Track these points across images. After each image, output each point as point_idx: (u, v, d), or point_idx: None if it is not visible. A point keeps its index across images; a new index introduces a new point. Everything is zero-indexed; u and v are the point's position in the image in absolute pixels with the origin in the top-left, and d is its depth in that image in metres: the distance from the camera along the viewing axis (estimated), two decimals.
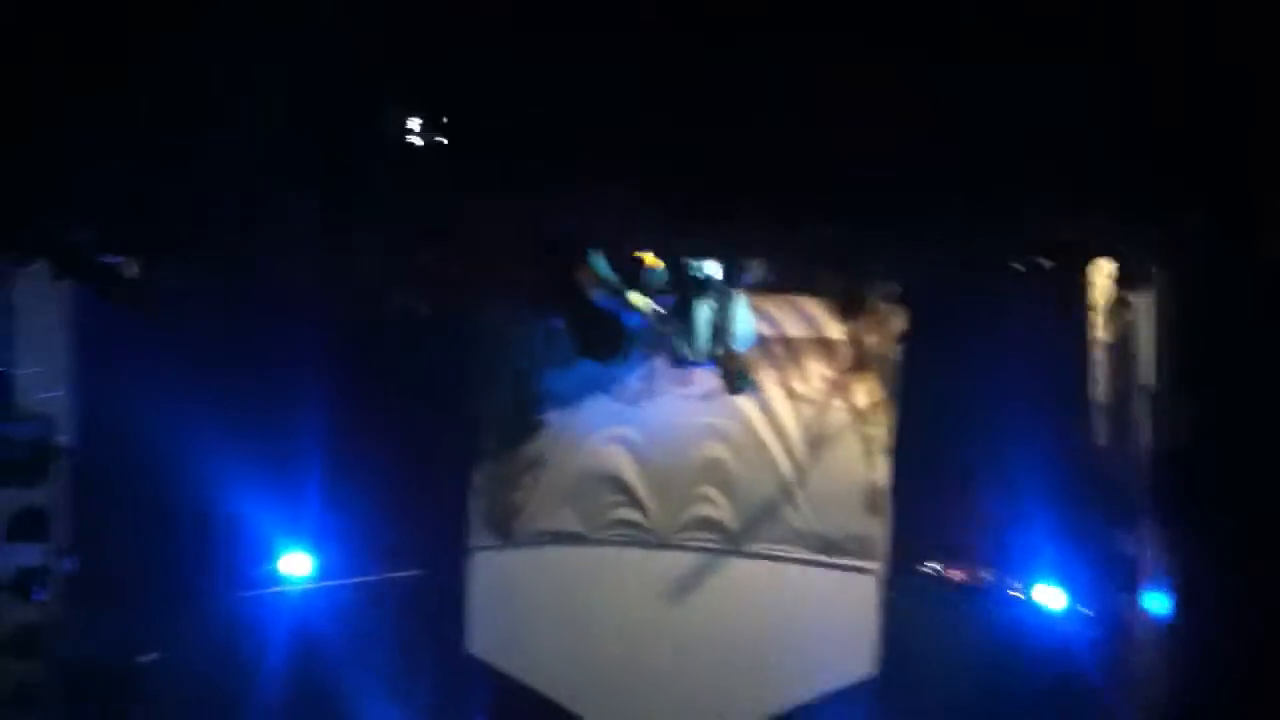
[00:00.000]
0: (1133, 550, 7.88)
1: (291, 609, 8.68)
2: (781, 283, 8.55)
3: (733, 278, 8.19)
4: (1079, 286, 7.96)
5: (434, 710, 8.78)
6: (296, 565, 8.66)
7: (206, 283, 8.10)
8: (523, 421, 9.03)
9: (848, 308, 8.66)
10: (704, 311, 8.21)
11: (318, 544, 8.69)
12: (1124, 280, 7.69)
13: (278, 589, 8.68)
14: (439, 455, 8.96)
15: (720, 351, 8.31)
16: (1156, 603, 7.55)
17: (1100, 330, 8.03)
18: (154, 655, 8.25)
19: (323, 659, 8.53)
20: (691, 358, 8.39)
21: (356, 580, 8.87)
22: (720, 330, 8.26)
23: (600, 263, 8.07)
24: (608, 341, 8.37)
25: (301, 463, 8.41)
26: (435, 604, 8.96)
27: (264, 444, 8.29)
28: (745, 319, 8.31)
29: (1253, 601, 6.79)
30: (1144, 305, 7.51)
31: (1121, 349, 7.87)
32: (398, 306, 8.54)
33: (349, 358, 8.49)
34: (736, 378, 8.39)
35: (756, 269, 8.30)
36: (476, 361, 8.99)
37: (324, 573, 8.76)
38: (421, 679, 8.76)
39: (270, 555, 8.66)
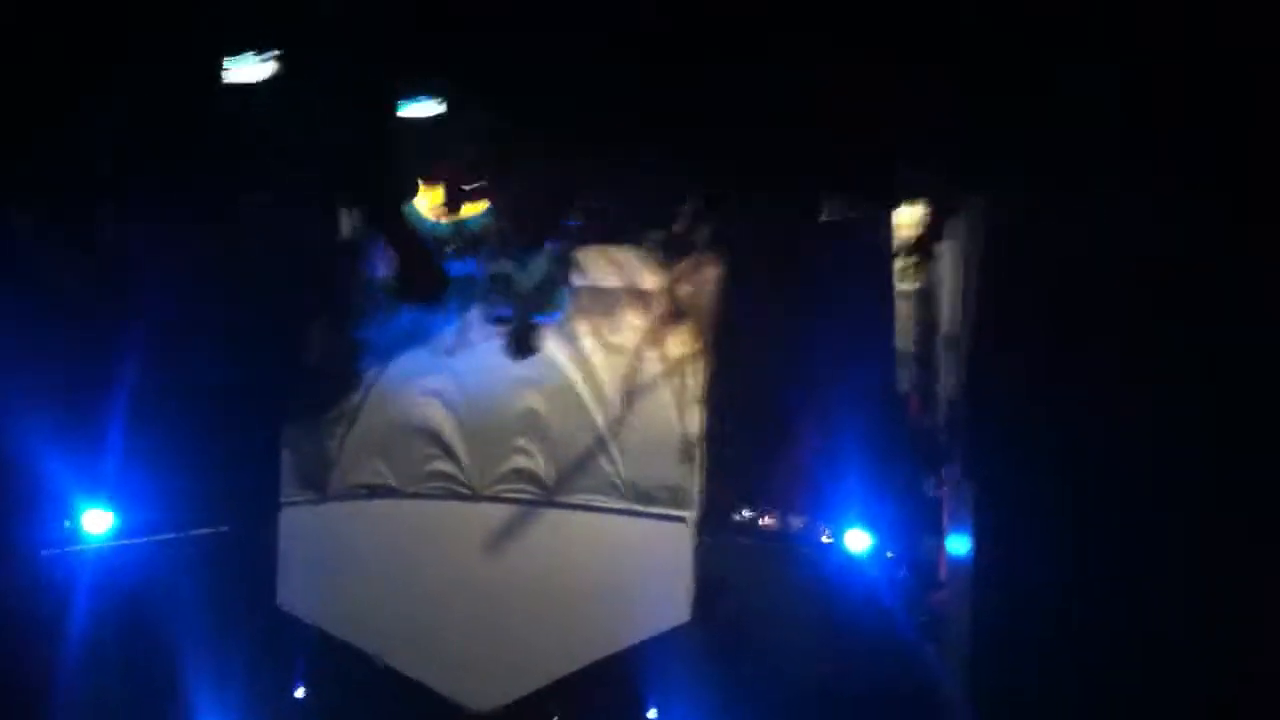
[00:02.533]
0: (937, 495, 8.13)
1: (94, 567, 8.34)
2: (595, 231, 8.54)
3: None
4: (886, 235, 8.06)
5: (247, 667, 8.59)
6: (97, 521, 8.35)
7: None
8: (336, 373, 8.87)
9: (665, 255, 8.64)
10: (540, 264, 8.21)
11: (121, 499, 8.38)
12: (929, 229, 7.81)
13: (78, 546, 8.37)
14: (249, 407, 8.71)
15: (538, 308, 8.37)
16: (958, 544, 7.76)
17: (906, 279, 8.16)
18: None
19: (130, 619, 8.28)
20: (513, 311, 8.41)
21: (162, 537, 8.61)
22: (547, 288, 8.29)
23: (413, 210, 7.97)
24: (428, 286, 8.26)
25: (103, 414, 8.10)
26: (246, 559, 8.78)
27: (64, 396, 7.95)
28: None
29: (1047, 542, 7.01)
30: (949, 254, 7.67)
31: (927, 297, 8.02)
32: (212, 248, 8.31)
33: (155, 304, 8.19)
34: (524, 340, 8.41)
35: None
36: (290, 311, 8.77)
37: (128, 529, 8.47)
38: (233, 636, 8.55)
39: (70, 511, 8.33)
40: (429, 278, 8.21)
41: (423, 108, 7.08)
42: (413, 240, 8.03)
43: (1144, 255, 6.44)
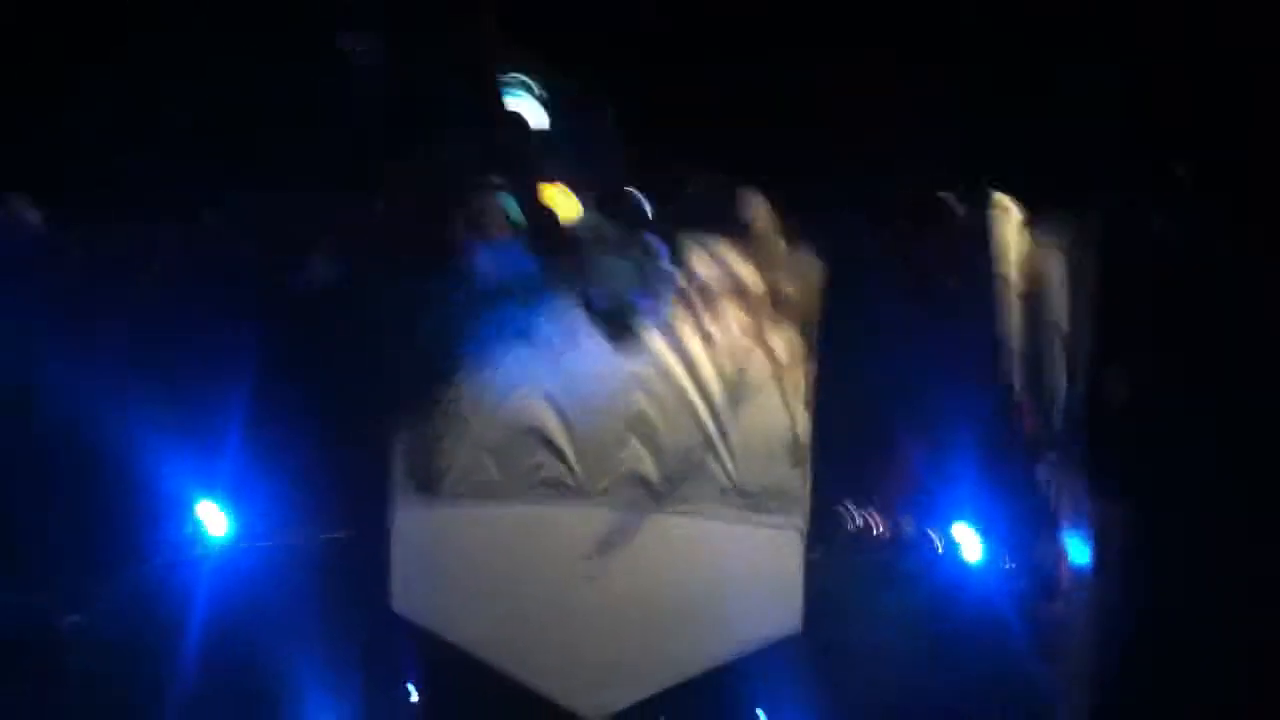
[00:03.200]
0: (1054, 498, 7.87)
1: (211, 572, 8.54)
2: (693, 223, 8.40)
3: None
4: (991, 231, 7.83)
5: (362, 670, 8.68)
6: (214, 524, 8.53)
7: (116, 233, 7.98)
8: (445, 376, 8.89)
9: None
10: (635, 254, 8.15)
11: (237, 505, 8.56)
12: (1037, 225, 7.59)
13: (197, 552, 8.55)
14: (361, 413, 8.79)
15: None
16: (1078, 551, 7.51)
17: (1013, 274, 7.92)
18: (73, 620, 8.18)
19: (245, 624, 8.38)
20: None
21: (278, 542, 8.76)
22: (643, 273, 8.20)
23: (510, 203, 7.95)
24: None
25: (221, 423, 8.28)
26: (359, 564, 8.83)
27: (186, 407, 8.16)
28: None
29: (1168, 548, 6.76)
30: (1056, 250, 7.45)
31: (1035, 293, 7.78)
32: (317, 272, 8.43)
33: (268, 311, 8.33)
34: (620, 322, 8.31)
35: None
36: (399, 316, 8.81)
37: (244, 534, 8.64)
38: (348, 640, 8.65)
39: (189, 518, 8.52)
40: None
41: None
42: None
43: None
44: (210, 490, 8.50)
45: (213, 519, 8.54)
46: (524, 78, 7.28)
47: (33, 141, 6.98)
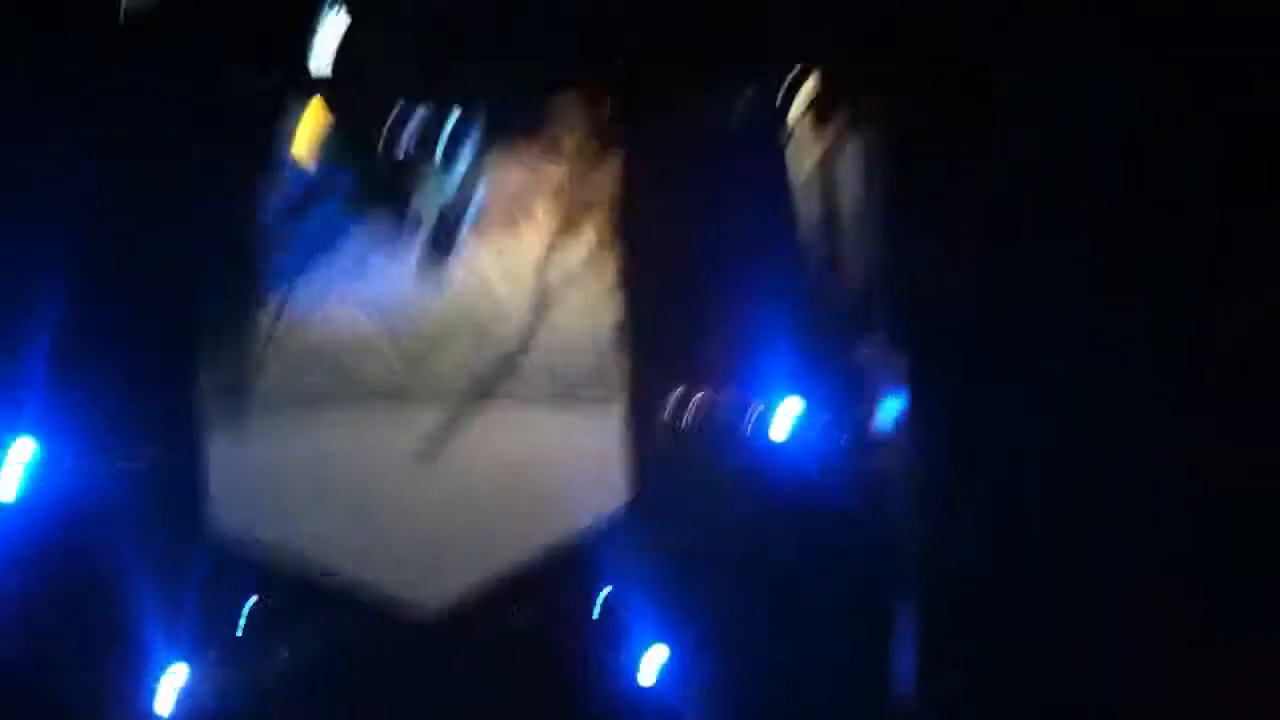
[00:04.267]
0: (867, 362, 8.18)
1: (22, 499, 8.16)
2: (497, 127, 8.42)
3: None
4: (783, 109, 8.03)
5: (198, 593, 8.47)
6: (22, 452, 8.14)
7: None
8: (254, 289, 8.73)
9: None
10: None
11: (41, 430, 8.19)
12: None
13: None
14: (169, 328, 8.53)
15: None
16: (892, 407, 7.83)
17: (814, 144, 8.13)
18: None
19: (67, 559, 8.10)
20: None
21: (90, 469, 8.44)
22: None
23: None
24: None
25: (20, 345, 7.91)
26: (179, 484, 8.61)
27: None
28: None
29: (981, 409, 7.08)
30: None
31: (846, 162, 8.00)
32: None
33: (67, 223, 7.89)
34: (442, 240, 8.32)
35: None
36: (203, 232, 8.55)
37: (52, 463, 8.29)
38: (177, 564, 8.43)
39: None
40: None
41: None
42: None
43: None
44: (14, 414, 8.08)
45: (19, 445, 8.12)
46: None
47: None
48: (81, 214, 7.86)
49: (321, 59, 7.59)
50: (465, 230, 8.61)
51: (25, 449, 8.09)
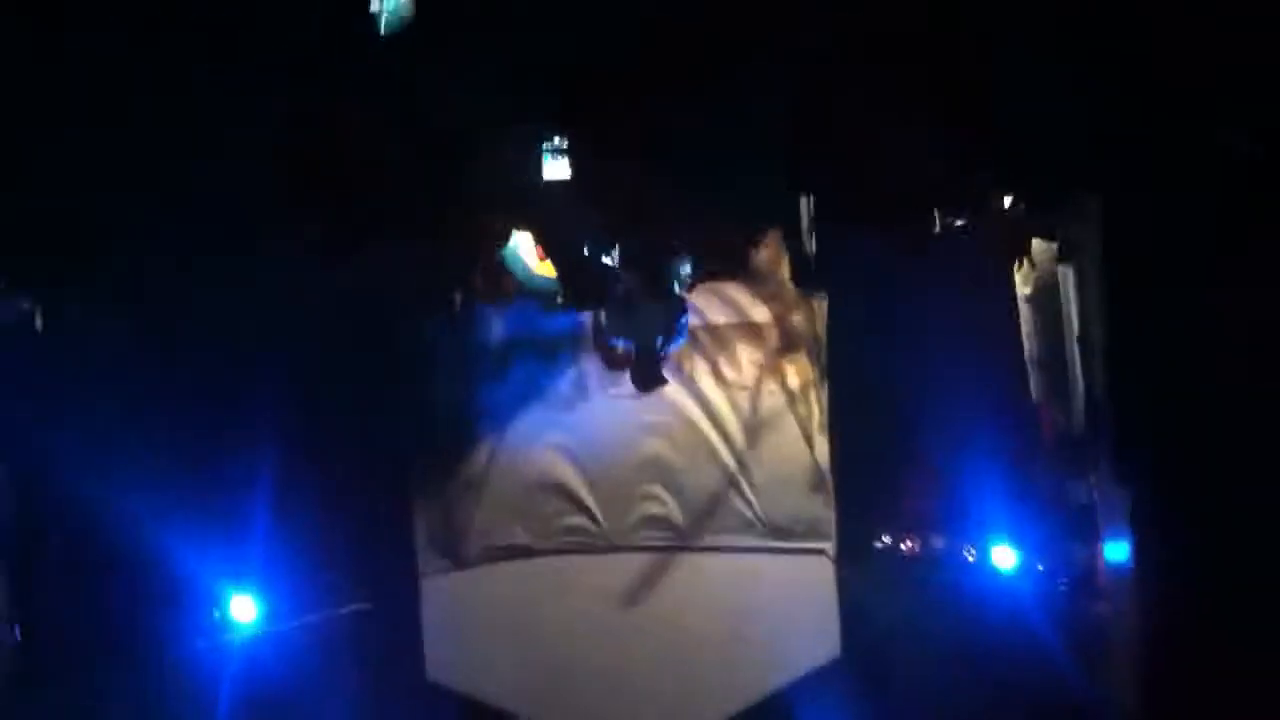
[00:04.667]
0: (1086, 500, 7.83)
1: (243, 656, 8.42)
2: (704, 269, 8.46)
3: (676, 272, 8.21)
4: (997, 240, 7.84)
5: None
6: (243, 610, 8.43)
7: (120, 319, 7.96)
8: (459, 439, 8.88)
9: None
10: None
11: (262, 587, 8.47)
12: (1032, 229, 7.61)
13: (227, 636, 8.46)
14: (379, 483, 8.77)
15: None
16: (1115, 551, 7.45)
17: (1022, 283, 7.93)
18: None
19: (282, 706, 8.31)
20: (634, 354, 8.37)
21: (307, 620, 8.67)
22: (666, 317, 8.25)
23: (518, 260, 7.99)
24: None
25: (239, 505, 8.22)
26: (390, 635, 8.76)
27: (199, 489, 8.09)
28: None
29: (1208, 542, 6.68)
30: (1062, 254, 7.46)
31: (1045, 300, 7.78)
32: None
33: (278, 390, 8.26)
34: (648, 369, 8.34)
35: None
36: (406, 384, 8.81)
37: (272, 615, 8.55)
38: (384, 713, 8.56)
39: (216, 602, 8.43)
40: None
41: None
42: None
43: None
44: (237, 576, 8.39)
45: (240, 605, 8.42)
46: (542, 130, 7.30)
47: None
48: (303, 373, 8.26)
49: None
50: (667, 367, 8.60)
51: (247, 608, 8.46)
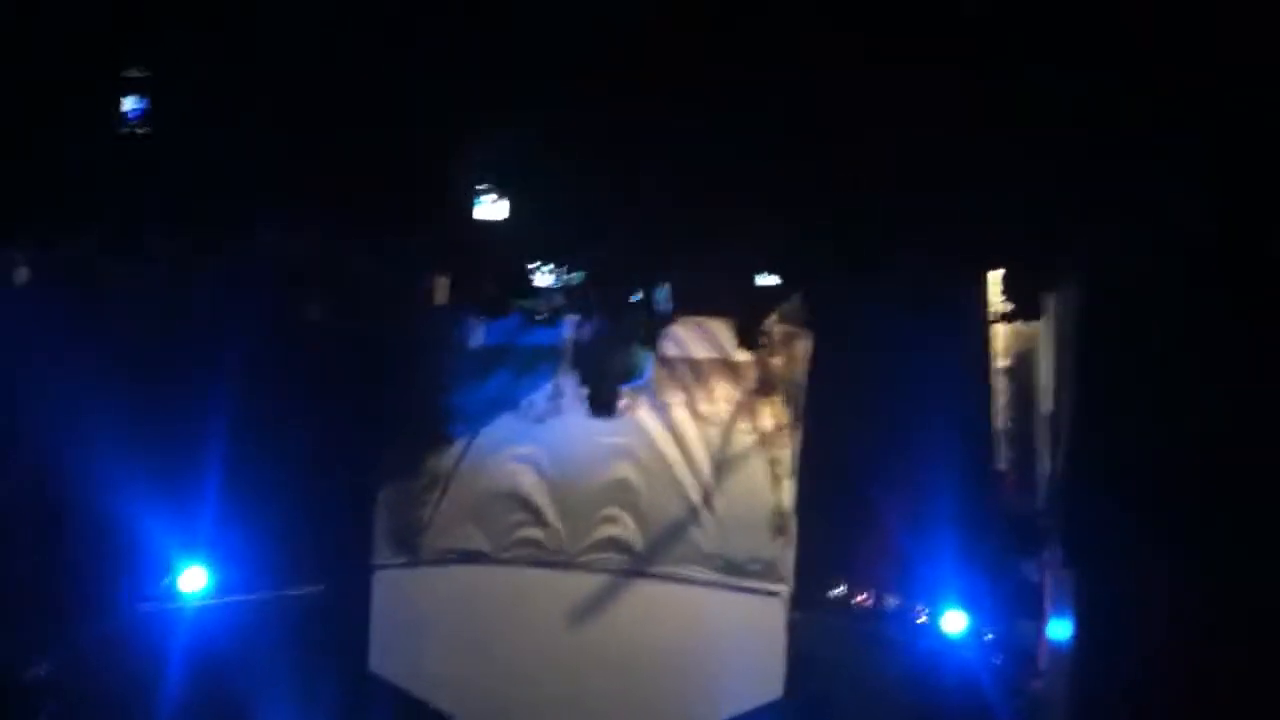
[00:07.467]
0: (1035, 577, 7.86)
1: (189, 624, 8.44)
2: (687, 304, 8.53)
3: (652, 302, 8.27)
4: (980, 307, 7.89)
5: None
6: (193, 580, 8.45)
7: (104, 289, 8.00)
8: (429, 438, 8.93)
9: (747, 330, 8.62)
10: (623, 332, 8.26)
11: (216, 559, 8.48)
12: (1020, 303, 7.66)
13: (175, 604, 8.47)
14: (343, 471, 8.80)
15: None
16: (1059, 629, 7.48)
17: (999, 356, 7.98)
18: (45, 668, 8.07)
19: (221, 676, 8.30)
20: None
21: (256, 596, 8.68)
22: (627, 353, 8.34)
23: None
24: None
25: (200, 475, 8.22)
26: (337, 621, 8.80)
27: (163, 456, 8.09)
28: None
29: (1154, 625, 6.72)
30: (1045, 329, 7.49)
31: (1021, 374, 7.83)
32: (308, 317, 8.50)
33: (252, 368, 8.28)
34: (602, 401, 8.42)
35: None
36: (385, 377, 8.85)
37: (222, 588, 8.56)
38: (322, 697, 8.55)
39: (167, 569, 8.44)
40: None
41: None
42: None
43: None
44: (190, 545, 8.40)
45: (191, 574, 8.44)
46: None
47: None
48: (262, 354, 8.30)
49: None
50: (644, 394, 8.67)
51: (197, 577, 8.48)
